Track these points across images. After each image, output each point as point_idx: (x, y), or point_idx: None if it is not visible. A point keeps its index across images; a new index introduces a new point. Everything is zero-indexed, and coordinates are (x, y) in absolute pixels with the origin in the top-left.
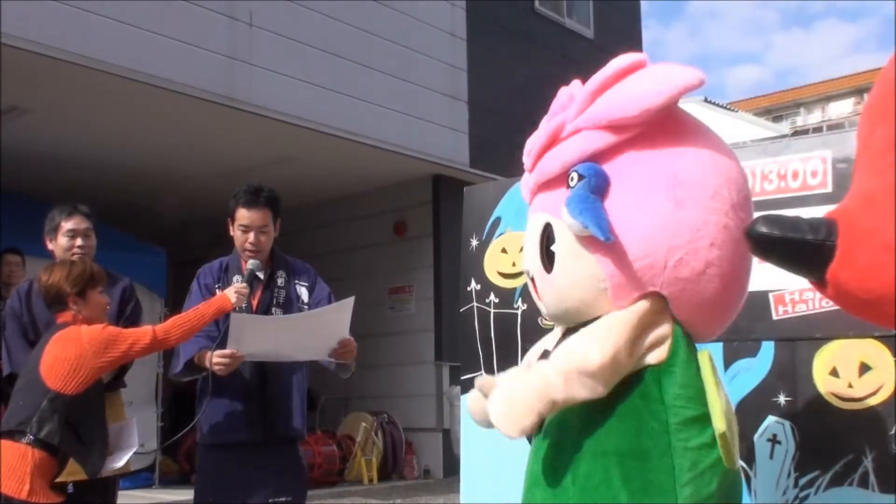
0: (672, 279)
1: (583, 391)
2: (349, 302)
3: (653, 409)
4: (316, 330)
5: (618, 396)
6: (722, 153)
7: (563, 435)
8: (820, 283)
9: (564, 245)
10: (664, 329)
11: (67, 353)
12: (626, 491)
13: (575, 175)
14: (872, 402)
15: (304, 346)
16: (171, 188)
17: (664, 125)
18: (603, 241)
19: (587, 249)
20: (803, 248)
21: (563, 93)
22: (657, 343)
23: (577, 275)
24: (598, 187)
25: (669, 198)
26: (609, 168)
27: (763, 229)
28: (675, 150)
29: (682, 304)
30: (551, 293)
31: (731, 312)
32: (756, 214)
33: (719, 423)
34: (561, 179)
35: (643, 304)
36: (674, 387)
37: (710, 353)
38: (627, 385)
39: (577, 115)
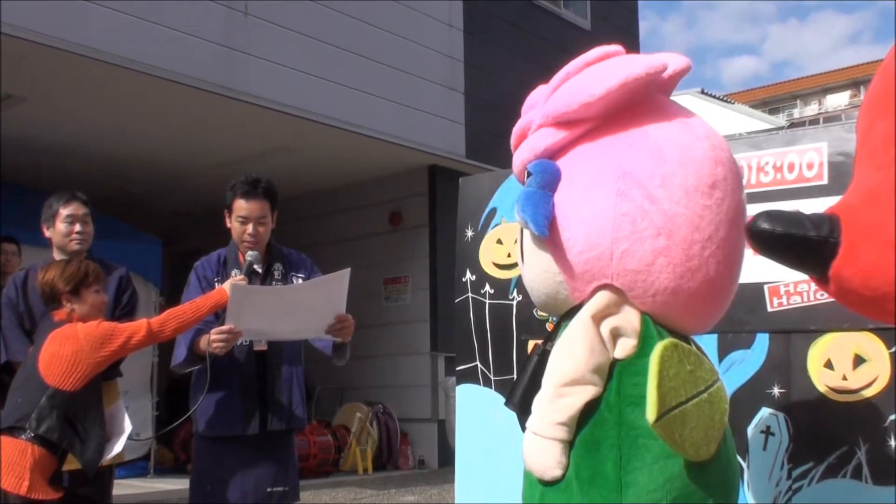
0: (621, 271)
1: (580, 396)
2: (345, 273)
3: (610, 402)
4: (313, 303)
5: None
6: (684, 140)
7: None
8: (822, 279)
9: (527, 241)
10: (620, 320)
11: (64, 350)
12: (577, 481)
13: (528, 172)
14: (867, 394)
15: (302, 320)
16: (167, 178)
17: (617, 117)
18: (538, 235)
19: (542, 244)
20: (806, 245)
21: (536, 91)
22: (618, 334)
23: (537, 268)
24: (548, 183)
25: (612, 189)
26: (562, 163)
27: (764, 225)
28: (623, 142)
29: (638, 295)
30: (527, 286)
31: (707, 303)
32: (751, 207)
33: (650, 414)
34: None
35: (598, 298)
36: (631, 379)
37: (672, 343)
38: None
39: (539, 112)
